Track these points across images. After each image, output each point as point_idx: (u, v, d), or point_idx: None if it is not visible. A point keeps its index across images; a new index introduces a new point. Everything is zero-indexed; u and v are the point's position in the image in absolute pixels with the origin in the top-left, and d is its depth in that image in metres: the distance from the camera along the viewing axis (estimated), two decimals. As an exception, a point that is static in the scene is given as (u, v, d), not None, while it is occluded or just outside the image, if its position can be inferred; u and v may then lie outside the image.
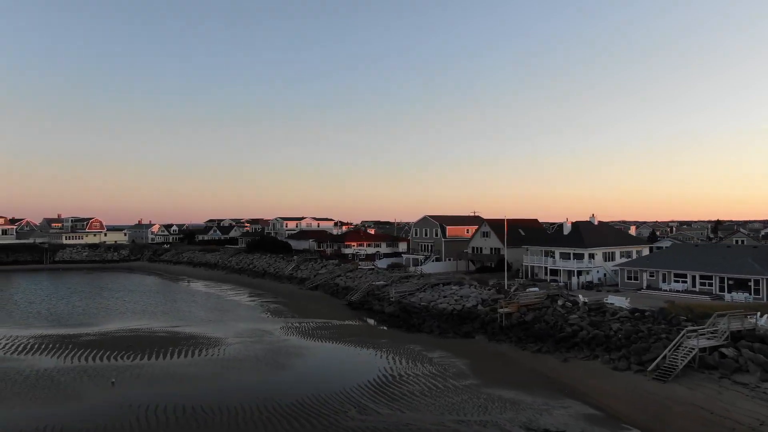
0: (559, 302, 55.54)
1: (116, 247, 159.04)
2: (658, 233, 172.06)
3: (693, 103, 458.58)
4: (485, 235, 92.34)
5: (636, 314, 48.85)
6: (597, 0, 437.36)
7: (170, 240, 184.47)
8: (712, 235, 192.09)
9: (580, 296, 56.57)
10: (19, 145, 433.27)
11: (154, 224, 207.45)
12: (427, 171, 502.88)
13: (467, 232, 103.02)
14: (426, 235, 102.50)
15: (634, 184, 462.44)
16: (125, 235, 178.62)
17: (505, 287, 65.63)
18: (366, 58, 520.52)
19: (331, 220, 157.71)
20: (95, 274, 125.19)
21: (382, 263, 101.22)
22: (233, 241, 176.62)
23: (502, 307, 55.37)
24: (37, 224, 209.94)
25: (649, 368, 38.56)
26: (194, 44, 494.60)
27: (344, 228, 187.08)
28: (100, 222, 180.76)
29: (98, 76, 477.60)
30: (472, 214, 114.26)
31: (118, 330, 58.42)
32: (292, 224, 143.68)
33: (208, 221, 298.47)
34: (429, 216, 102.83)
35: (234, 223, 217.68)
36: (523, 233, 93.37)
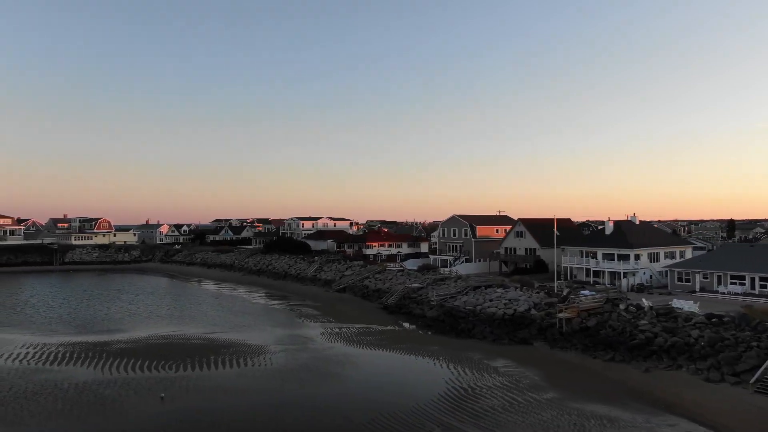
0: (621, 306, 52.32)
1: (127, 247, 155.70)
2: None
3: (693, 103, 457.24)
4: (519, 235, 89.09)
5: (713, 320, 45.60)
6: (597, 0, 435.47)
7: (180, 240, 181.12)
8: (724, 235, 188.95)
9: (644, 300, 53.30)
10: (19, 145, 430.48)
11: (162, 224, 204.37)
12: (427, 171, 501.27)
13: (497, 232, 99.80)
14: (454, 235, 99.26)
15: (633, 184, 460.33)
16: (134, 235, 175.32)
17: (555, 290, 62.37)
18: (366, 58, 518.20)
19: (347, 220, 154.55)
20: (108, 276, 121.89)
21: (410, 264, 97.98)
22: (245, 241, 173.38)
23: (560, 312, 52.11)
24: (43, 224, 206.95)
25: (751, 380, 35.42)
26: (194, 44, 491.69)
27: (354, 228, 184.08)
28: (109, 222, 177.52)
29: (98, 76, 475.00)
30: (498, 214, 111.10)
31: (149, 337, 55.13)
32: (308, 224, 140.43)
33: (214, 221, 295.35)
34: (458, 215, 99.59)
35: (245, 223, 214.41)
36: (558, 233, 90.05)
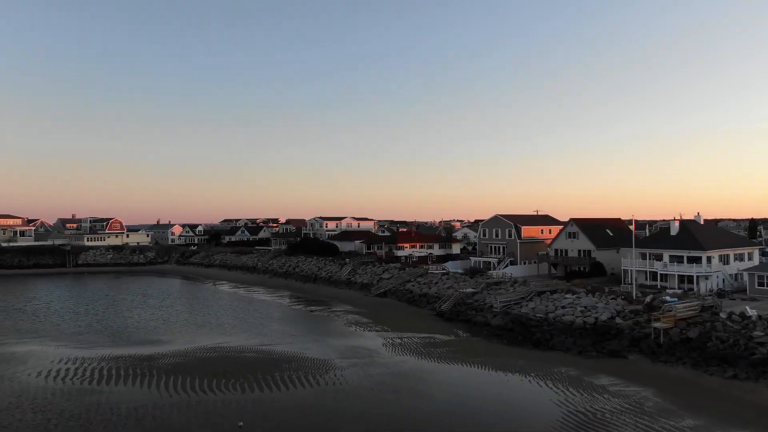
0: (722, 315, 47.36)
1: (141, 249, 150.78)
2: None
3: (693, 103, 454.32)
4: (572, 236, 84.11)
5: (843, 331, 40.60)
6: (597, 0, 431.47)
7: (195, 241, 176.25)
8: (744, 234, 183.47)
9: (747, 308, 48.33)
10: (20, 144, 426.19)
11: (174, 224, 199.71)
12: (428, 170, 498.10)
13: (541, 233, 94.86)
14: (497, 236, 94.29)
15: (633, 183, 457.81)
16: (148, 236, 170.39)
17: (634, 296, 57.45)
18: (366, 57, 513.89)
19: (371, 219, 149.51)
20: (125, 279, 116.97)
21: (452, 266, 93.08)
22: (263, 242, 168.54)
23: (656, 321, 47.12)
24: (52, 225, 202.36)
25: None
26: (194, 44, 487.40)
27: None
28: (120, 222, 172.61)
29: (99, 76, 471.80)
30: (535, 213, 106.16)
31: (197, 349, 50.15)
32: (332, 224, 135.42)
33: (224, 221, 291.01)
34: (501, 215, 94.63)
35: (260, 224, 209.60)
36: (611, 234, 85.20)
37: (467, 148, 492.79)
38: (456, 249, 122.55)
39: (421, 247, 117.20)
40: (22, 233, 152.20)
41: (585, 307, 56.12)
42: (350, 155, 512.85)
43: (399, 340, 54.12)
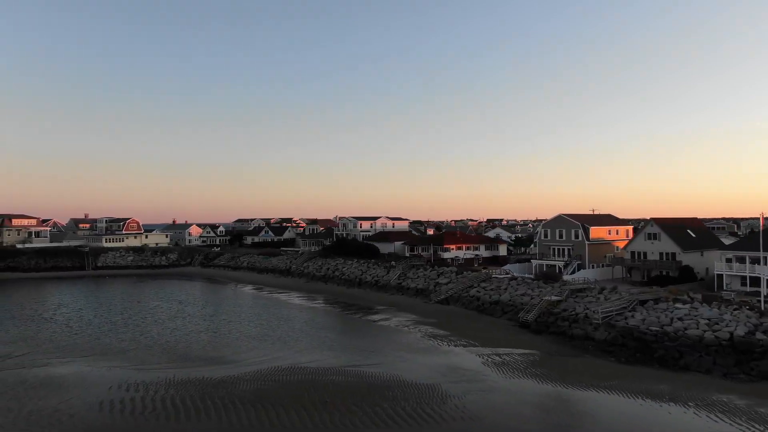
0: None
1: (162, 250, 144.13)
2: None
3: (693, 102, 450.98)
4: (652, 237, 77.01)
5: None
6: (597, 0, 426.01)
7: (216, 242, 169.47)
8: None
9: None
10: (22, 144, 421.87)
11: (192, 224, 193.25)
12: (428, 170, 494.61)
13: (609, 234, 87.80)
14: (561, 237, 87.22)
15: (633, 183, 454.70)
16: (166, 236, 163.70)
17: (762, 306, 50.37)
18: (366, 57, 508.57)
19: (405, 219, 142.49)
20: (151, 283, 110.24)
21: (516, 270, 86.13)
22: (288, 242, 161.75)
23: (819, 339, 40.04)
24: (64, 225, 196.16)
25: None
26: (194, 44, 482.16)
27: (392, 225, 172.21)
28: (138, 222, 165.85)
29: (100, 76, 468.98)
30: (592, 212, 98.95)
31: (273, 371, 43.27)
32: (366, 224, 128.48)
33: (237, 221, 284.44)
34: (566, 215, 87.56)
35: (287, 224, 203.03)
36: (693, 234, 78.15)
37: (467, 147, 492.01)
38: (502, 250, 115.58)
39: (468, 248, 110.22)
40: (37, 234, 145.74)
41: (709, 320, 49.03)
42: (362, 154, 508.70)
43: (498, 358, 47.26)
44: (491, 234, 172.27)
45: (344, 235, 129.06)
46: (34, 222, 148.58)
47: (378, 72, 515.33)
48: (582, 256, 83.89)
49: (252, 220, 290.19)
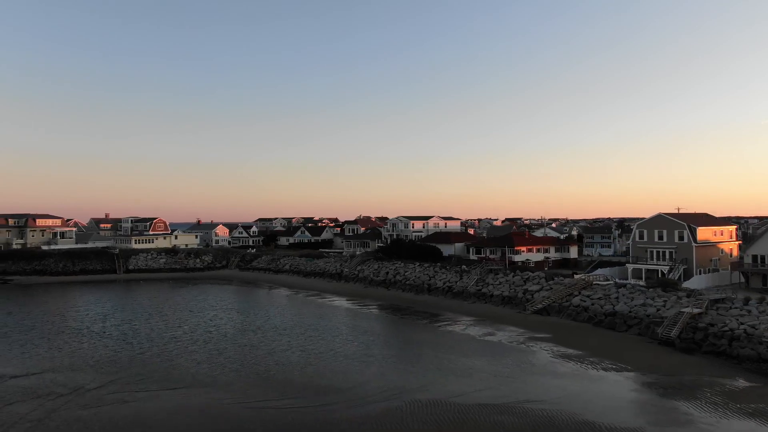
0: None
1: (196, 252, 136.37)
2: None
3: (693, 102, 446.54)
4: (781, 237, 68.29)
5: None
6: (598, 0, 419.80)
7: (249, 242, 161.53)
8: None
9: None
10: (29, 144, 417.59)
11: (218, 224, 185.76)
12: (428, 169, 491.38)
13: (714, 235, 79.11)
14: (661, 238, 78.61)
15: (635, 182, 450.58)
16: (196, 237, 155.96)
17: None
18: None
19: (457, 219, 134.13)
20: (193, 288, 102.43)
21: (614, 275, 77.71)
22: (326, 243, 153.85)
23: None
24: (85, 225, 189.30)
25: None
26: (196, 45, 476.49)
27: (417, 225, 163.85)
28: (165, 223, 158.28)
29: (100, 75, 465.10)
30: (677, 211, 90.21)
31: (411, 407, 35.35)
32: (418, 224, 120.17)
33: (258, 220, 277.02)
34: (667, 214, 78.96)
35: (323, 223, 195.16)
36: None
37: (469, 146, 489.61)
38: (573, 252, 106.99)
39: (538, 250, 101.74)
40: (62, 235, 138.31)
41: None
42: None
43: (677, 387, 38.96)
44: (539, 233, 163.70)
45: (395, 236, 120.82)
46: (58, 222, 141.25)
47: (382, 70, 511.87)
48: (689, 259, 75.23)
49: (274, 219, 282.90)
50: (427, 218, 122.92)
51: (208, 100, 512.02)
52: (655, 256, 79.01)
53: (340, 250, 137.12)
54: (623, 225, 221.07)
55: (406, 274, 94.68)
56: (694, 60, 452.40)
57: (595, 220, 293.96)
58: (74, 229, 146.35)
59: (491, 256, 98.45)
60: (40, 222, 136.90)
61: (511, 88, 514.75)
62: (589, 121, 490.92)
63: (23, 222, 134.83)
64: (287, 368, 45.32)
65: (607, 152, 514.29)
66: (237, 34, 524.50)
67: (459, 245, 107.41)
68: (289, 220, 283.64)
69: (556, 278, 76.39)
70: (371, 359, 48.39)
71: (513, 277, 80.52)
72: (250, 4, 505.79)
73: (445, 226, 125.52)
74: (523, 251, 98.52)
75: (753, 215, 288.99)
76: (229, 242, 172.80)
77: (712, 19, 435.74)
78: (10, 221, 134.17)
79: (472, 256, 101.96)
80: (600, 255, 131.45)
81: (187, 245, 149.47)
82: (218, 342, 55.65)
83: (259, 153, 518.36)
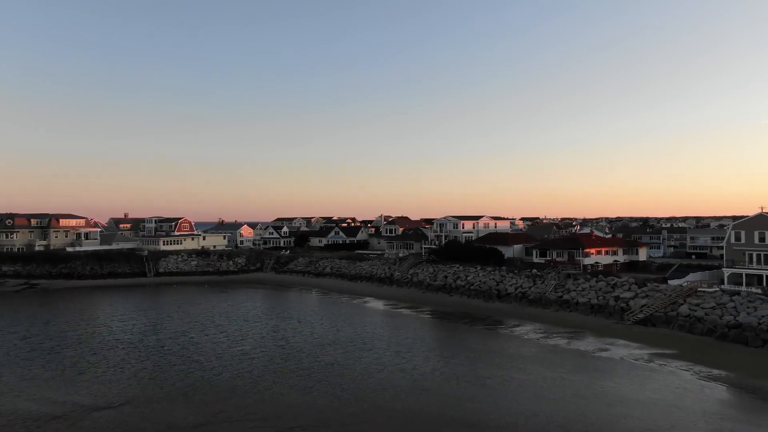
0: None
1: (228, 254, 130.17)
2: None
3: (692, 102, 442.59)
4: None
5: None
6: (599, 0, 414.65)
7: (281, 243, 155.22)
8: None
9: None
10: (25, 144, 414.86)
11: (243, 224, 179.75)
12: (428, 169, 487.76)
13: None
14: (763, 240, 71.86)
15: (635, 182, 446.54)
16: (224, 238, 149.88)
17: None
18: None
19: (506, 219, 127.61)
20: (234, 293, 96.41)
21: (703, 278, 71.13)
22: (362, 244, 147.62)
23: None
24: (105, 225, 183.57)
25: None
26: (198, 45, 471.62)
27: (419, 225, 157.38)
28: (190, 223, 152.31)
29: (99, 75, 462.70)
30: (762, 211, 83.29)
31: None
32: (468, 224, 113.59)
33: (276, 219, 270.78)
34: (770, 212, 72.23)
35: (360, 224, 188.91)
36: None
37: (471, 145, 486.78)
38: (642, 254, 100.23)
39: (606, 252, 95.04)
40: (87, 236, 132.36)
41: None
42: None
43: None
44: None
45: (443, 236, 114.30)
46: (82, 222, 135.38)
47: (382, 69, 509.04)
48: (799, 263, 68.48)
49: (293, 219, 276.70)
50: (477, 218, 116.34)
51: (208, 100, 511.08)
52: (756, 260, 72.24)
53: (379, 252, 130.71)
54: (650, 225, 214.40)
55: (468, 278, 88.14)
56: (694, 60, 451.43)
57: (596, 220, 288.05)
58: (98, 229, 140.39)
59: (558, 259, 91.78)
60: (63, 222, 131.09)
61: (511, 88, 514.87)
62: (589, 121, 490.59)
63: (46, 222, 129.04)
64: (411, 396, 38.81)
65: (607, 152, 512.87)
66: (237, 34, 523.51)
67: (517, 247, 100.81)
68: (308, 219, 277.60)
69: (648, 284, 69.75)
70: (490, 381, 41.99)
71: (596, 282, 73.94)
72: (250, 4, 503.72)
73: (495, 227, 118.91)
74: (592, 253, 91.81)
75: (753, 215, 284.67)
76: (254, 243, 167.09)
77: (712, 19, 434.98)
78: (33, 221, 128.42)
79: (536, 259, 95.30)
80: (650, 257, 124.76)
81: (214, 246, 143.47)
82: (298, 359, 49.34)
83: (258, 153, 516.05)
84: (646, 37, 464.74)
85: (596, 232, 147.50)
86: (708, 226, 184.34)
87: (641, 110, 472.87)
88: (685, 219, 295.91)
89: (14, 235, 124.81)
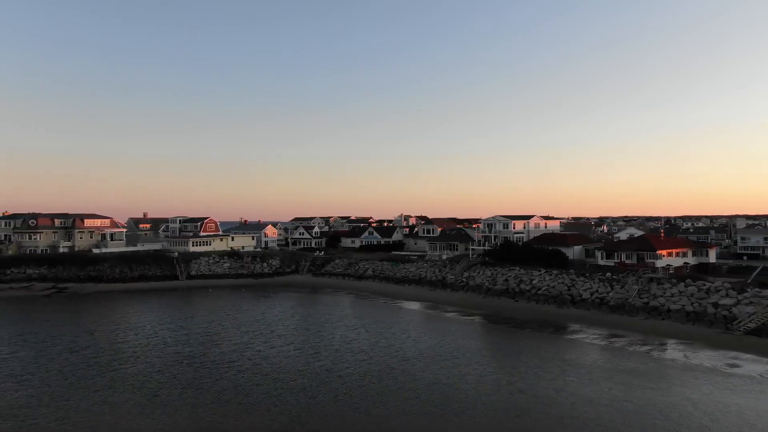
0: None
1: (262, 255, 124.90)
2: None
3: (692, 102, 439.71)
4: None
5: None
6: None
7: (312, 244, 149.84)
8: None
9: None
10: (24, 144, 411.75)
11: (267, 224, 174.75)
12: (428, 169, 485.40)
13: None
14: None
15: (635, 182, 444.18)
16: (252, 238, 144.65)
17: None
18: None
19: (556, 219, 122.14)
20: (276, 298, 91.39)
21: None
22: (398, 245, 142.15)
23: None
24: (124, 225, 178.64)
25: None
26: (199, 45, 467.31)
27: (440, 225, 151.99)
28: (216, 223, 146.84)
29: (100, 75, 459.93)
30: None
31: None
32: (519, 224, 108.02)
33: (294, 219, 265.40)
34: None
35: (392, 224, 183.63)
36: None
37: (472, 145, 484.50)
38: (712, 256, 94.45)
39: (677, 254, 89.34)
40: (112, 236, 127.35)
41: None
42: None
43: None
44: (623, 234, 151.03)
45: (492, 237, 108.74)
46: (107, 222, 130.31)
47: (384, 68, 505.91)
48: None
49: (311, 219, 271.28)
50: (527, 217, 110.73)
51: (208, 100, 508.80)
52: None
53: (420, 253, 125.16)
54: (674, 224, 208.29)
55: (533, 282, 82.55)
56: (694, 60, 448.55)
57: (612, 219, 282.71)
58: (124, 230, 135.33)
59: (627, 261, 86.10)
60: (87, 222, 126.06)
61: (511, 88, 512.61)
62: (589, 121, 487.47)
63: (70, 223, 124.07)
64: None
65: (607, 152, 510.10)
66: (237, 34, 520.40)
67: (577, 248, 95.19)
68: (326, 219, 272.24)
69: (749, 289, 64.04)
70: (627, 405, 36.44)
71: (686, 287, 68.27)
72: (250, 4, 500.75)
73: (545, 226, 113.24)
74: (663, 255, 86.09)
75: (753, 214, 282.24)
76: (279, 243, 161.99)
77: (712, 19, 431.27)
78: (56, 222, 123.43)
79: (601, 261, 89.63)
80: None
81: (242, 247, 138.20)
82: (393, 377, 43.94)
83: (258, 153, 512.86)
84: (646, 37, 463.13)
85: (636, 234, 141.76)
86: (755, 225, 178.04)
87: (641, 110, 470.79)
88: (699, 218, 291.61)
89: (38, 236, 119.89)
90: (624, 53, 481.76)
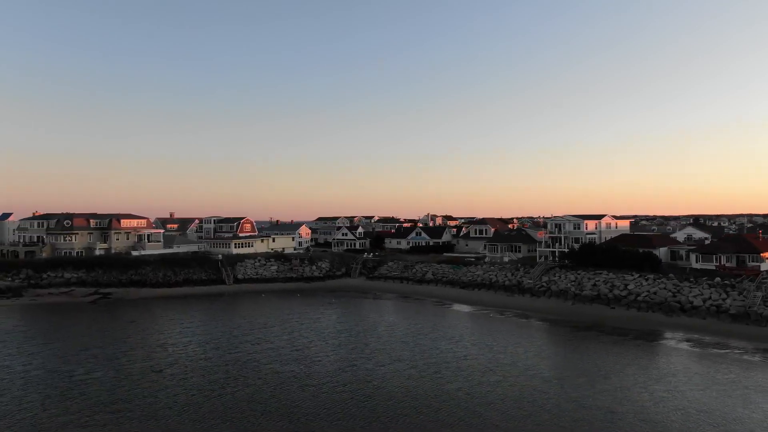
0: None
1: (310, 258, 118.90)
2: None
3: (692, 102, 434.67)
4: None
5: None
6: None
7: (356, 245, 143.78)
8: None
9: None
10: (24, 144, 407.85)
11: (301, 224, 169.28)
12: (428, 169, 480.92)
13: None
14: None
15: (635, 181, 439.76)
16: (293, 239, 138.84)
17: None
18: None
19: (626, 218, 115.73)
20: (340, 304, 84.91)
21: None
22: (447, 247, 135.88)
23: None
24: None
25: None
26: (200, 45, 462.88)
27: (472, 226, 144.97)
28: (252, 223, 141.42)
29: (99, 75, 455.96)
30: None
31: None
32: (591, 224, 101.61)
33: (318, 219, 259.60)
34: None
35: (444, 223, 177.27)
36: None
37: (473, 145, 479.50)
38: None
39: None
40: (149, 237, 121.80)
41: None
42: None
43: None
44: (680, 235, 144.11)
45: (562, 238, 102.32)
46: (143, 223, 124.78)
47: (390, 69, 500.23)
48: None
49: (336, 218, 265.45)
50: (599, 217, 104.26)
51: (208, 100, 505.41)
52: None
53: (476, 255, 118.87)
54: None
55: (629, 287, 76.15)
56: (694, 60, 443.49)
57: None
58: (162, 230, 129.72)
59: (728, 264, 79.57)
60: (124, 223, 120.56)
61: (511, 88, 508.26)
62: (589, 121, 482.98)
63: (107, 223, 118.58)
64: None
65: (607, 152, 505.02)
66: (237, 34, 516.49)
67: (663, 250, 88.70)
68: (351, 218, 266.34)
69: None
70: None
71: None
72: (250, 4, 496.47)
73: (616, 226, 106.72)
74: (766, 258, 79.52)
75: (753, 213, 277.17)
76: (316, 243, 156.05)
77: (712, 19, 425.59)
78: (92, 222, 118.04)
79: (696, 264, 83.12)
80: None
81: (283, 249, 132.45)
82: (563, 407, 37.64)
83: (258, 153, 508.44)
84: (646, 37, 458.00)
85: (695, 234, 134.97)
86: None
87: (641, 110, 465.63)
88: (718, 217, 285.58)
89: (73, 237, 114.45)
90: (624, 53, 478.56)
